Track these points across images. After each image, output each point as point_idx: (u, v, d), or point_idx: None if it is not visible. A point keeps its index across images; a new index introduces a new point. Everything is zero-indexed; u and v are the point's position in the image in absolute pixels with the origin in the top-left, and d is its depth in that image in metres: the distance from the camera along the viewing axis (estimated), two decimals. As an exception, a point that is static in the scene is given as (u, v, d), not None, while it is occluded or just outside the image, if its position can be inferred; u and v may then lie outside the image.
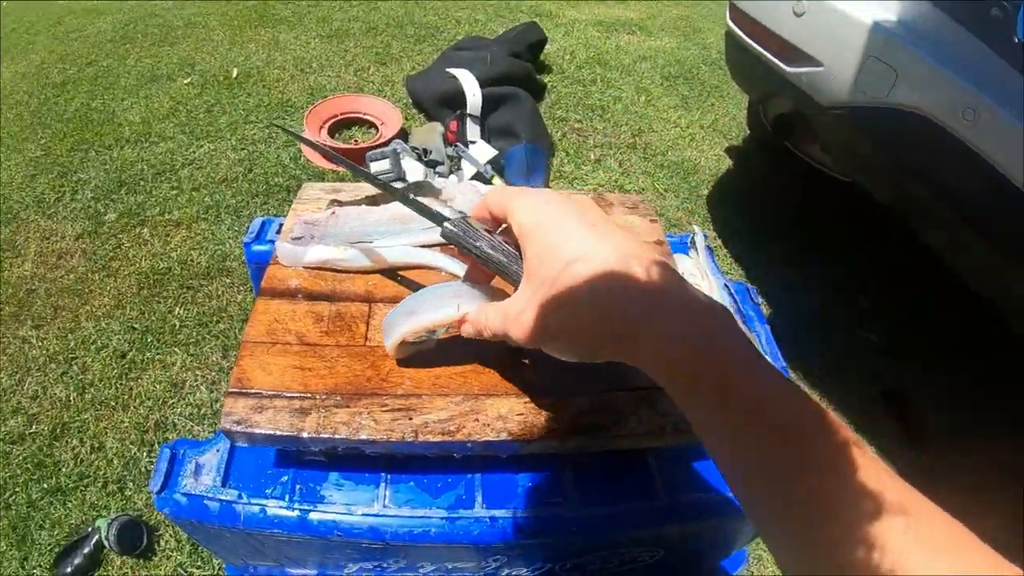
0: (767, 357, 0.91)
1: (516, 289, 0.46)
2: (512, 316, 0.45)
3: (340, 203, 0.78)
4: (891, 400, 1.87)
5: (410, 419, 0.59)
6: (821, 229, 2.37)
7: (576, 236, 0.42)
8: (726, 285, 1.06)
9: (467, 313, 0.52)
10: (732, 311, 0.97)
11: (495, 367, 0.64)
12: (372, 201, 0.78)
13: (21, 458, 1.52)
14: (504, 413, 0.60)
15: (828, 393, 1.87)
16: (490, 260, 0.51)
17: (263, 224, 0.98)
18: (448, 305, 0.54)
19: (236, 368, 0.62)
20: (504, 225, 0.49)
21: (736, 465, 0.38)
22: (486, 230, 0.52)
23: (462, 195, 0.76)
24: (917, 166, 1.57)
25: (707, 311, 0.39)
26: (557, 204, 0.45)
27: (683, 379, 0.38)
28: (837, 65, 1.64)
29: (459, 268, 0.72)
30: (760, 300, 1.16)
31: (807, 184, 2.45)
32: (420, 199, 0.65)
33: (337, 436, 0.58)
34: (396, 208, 0.76)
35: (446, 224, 0.53)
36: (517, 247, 0.48)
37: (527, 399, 0.62)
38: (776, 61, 1.84)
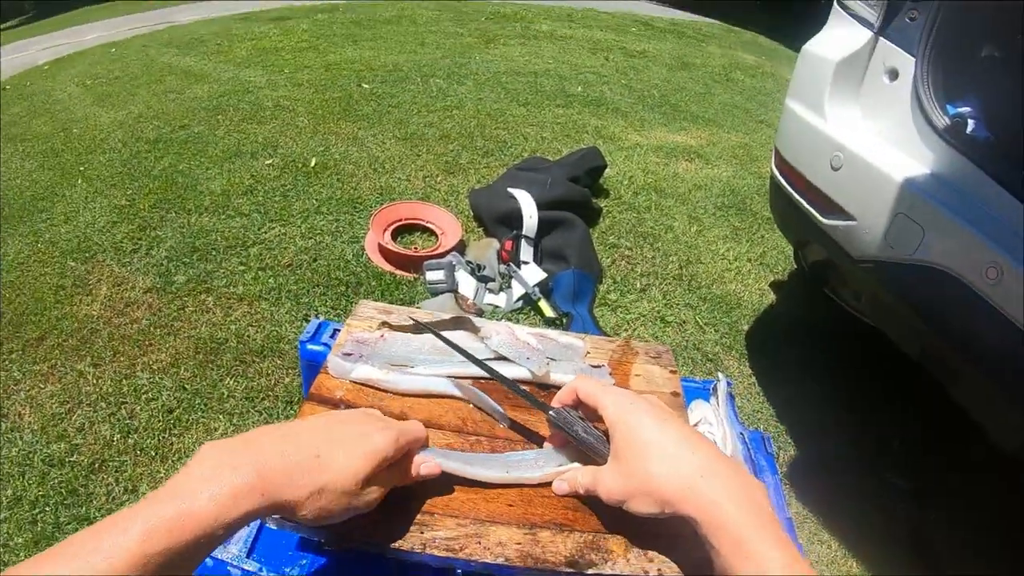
0: (775, 509, 0.96)
1: (602, 461, 0.66)
2: (603, 482, 0.64)
3: (390, 326, 0.88)
4: (917, 547, 1.85)
5: (421, 532, 0.66)
6: (857, 372, 2.38)
7: (652, 436, 0.62)
8: (741, 434, 1.11)
9: (566, 474, 0.70)
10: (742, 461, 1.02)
11: (500, 499, 0.72)
12: (418, 328, 0.88)
13: (57, 481, 1.59)
14: (504, 540, 0.67)
15: (850, 536, 1.86)
16: (583, 442, 0.68)
17: (319, 326, 1.09)
18: (551, 465, 0.73)
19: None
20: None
21: None
22: (580, 417, 0.69)
23: (497, 334, 0.85)
24: (942, 323, 1.58)
25: (729, 501, 0.56)
26: (637, 404, 0.65)
27: (711, 545, 0.55)
28: (868, 220, 1.68)
29: (482, 402, 0.80)
30: (775, 449, 1.20)
31: (847, 327, 2.48)
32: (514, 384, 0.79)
33: (354, 537, 0.66)
34: (436, 340, 0.85)
35: (551, 412, 0.70)
36: (598, 427, 0.68)
37: (526, 530, 0.69)
38: (812, 211, 1.88)
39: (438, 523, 0.68)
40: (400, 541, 0.65)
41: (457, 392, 0.80)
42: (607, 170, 3.31)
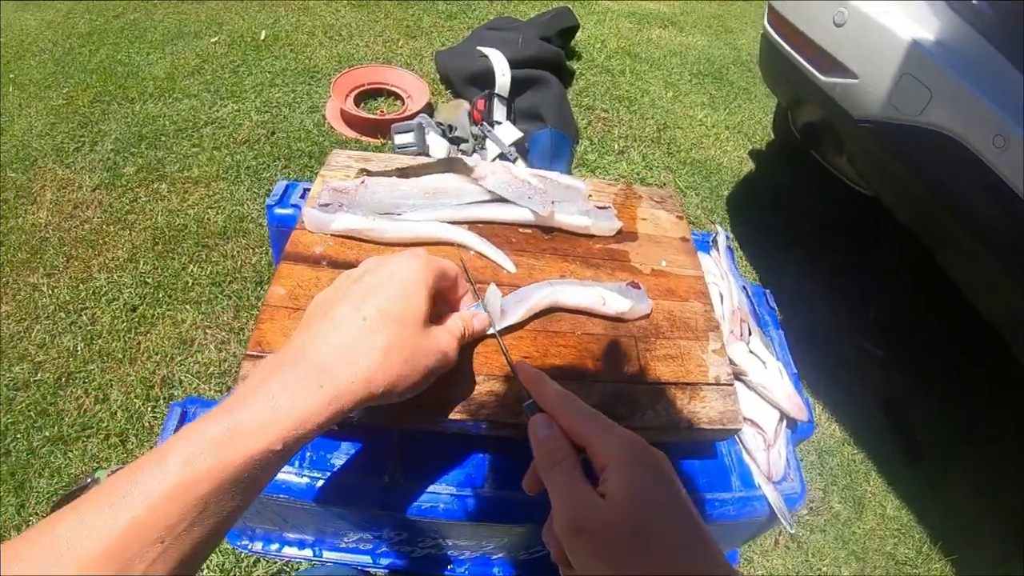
0: (779, 362, 0.91)
1: None
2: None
3: (370, 172, 0.77)
4: (891, 411, 1.90)
5: (432, 393, 0.58)
6: (838, 241, 2.37)
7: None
8: (744, 287, 1.06)
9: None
10: (748, 311, 0.96)
11: (513, 352, 0.64)
12: (402, 173, 0.77)
13: (24, 405, 1.51)
14: (524, 395, 0.59)
15: (831, 401, 1.89)
16: None
17: (287, 187, 0.97)
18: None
19: (256, 331, 0.61)
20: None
21: None
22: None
23: (493, 174, 0.75)
24: (942, 187, 1.55)
25: None
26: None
27: None
28: (872, 79, 1.63)
29: (485, 246, 0.71)
30: (775, 306, 1.15)
31: (829, 194, 2.45)
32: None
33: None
34: (426, 181, 0.75)
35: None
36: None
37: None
38: (811, 68, 1.82)
39: (448, 379, 0.59)
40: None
41: (455, 237, 0.70)
42: (578, 33, 3.15)
